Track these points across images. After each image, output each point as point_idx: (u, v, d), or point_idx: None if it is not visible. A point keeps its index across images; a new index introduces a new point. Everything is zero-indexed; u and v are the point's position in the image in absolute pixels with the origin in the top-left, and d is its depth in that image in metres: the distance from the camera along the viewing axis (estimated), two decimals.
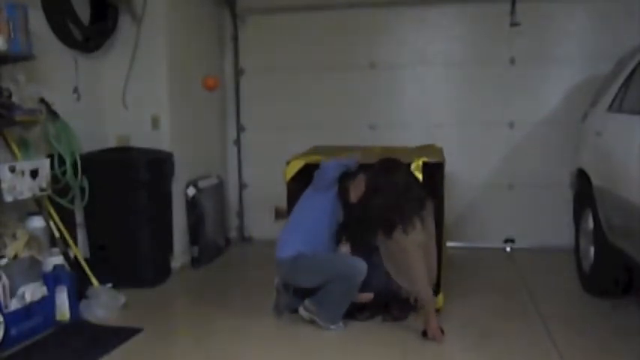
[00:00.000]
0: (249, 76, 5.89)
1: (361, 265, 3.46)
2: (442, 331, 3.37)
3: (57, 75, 4.18)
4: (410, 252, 3.43)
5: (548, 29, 5.30)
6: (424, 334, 3.37)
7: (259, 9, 5.74)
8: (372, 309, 3.67)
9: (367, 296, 3.60)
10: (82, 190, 4.17)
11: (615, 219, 3.60)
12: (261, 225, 5.84)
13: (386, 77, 5.57)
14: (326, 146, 4.46)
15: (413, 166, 3.69)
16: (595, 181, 3.92)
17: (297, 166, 3.84)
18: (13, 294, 3.36)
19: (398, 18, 5.52)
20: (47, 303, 3.56)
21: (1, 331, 3.19)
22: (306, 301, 3.60)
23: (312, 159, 3.85)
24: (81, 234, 4.39)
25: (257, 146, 5.83)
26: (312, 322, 3.57)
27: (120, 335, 3.46)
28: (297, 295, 3.65)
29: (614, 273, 3.83)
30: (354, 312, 3.63)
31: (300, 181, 3.83)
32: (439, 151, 4.27)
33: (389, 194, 3.50)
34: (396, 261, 3.48)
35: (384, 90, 5.58)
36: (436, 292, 3.63)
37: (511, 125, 5.44)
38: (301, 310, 3.62)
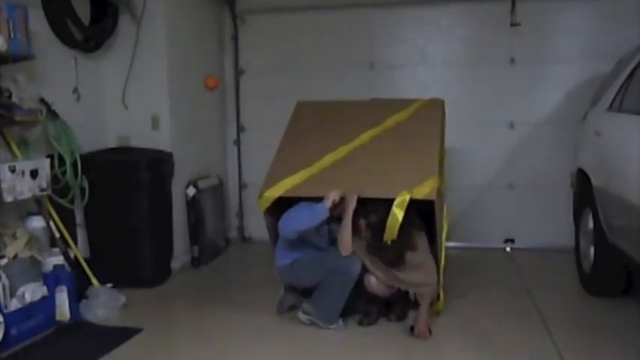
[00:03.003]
0: (249, 76, 5.89)
1: (354, 261, 3.46)
2: (430, 332, 3.38)
3: (57, 75, 4.18)
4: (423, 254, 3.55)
5: (549, 29, 5.30)
6: (412, 329, 3.40)
7: (259, 9, 5.74)
8: (377, 313, 3.66)
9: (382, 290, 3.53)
10: (82, 190, 4.18)
11: (615, 219, 3.60)
12: (261, 225, 5.79)
13: (385, 77, 5.57)
14: (311, 102, 4.23)
15: (397, 201, 3.27)
16: (595, 181, 3.92)
17: (269, 199, 3.55)
18: (13, 294, 3.36)
19: (397, 18, 5.53)
20: (47, 303, 3.56)
21: (1, 331, 3.19)
22: (304, 304, 3.62)
23: (287, 188, 3.52)
24: (81, 234, 4.39)
25: (257, 146, 5.83)
26: (311, 323, 3.58)
27: (120, 335, 3.46)
28: (305, 295, 3.66)
29: (614, 273, 3.83)
30: (360, 318, 3.63)
31: (277, 208, 3.59)
32: (435, 144, 3.70)
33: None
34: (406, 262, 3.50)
35: (384, 90, 5.56)
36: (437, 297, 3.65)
37: (511, 125, 5.44)
38: (300, 315, 3.63)
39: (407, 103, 4.08)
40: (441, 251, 3.67)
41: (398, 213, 3.25)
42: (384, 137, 3.81)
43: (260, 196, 3.58)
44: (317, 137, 3.88)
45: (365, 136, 3.81)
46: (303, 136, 3.94)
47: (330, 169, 3.62)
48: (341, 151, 3.73)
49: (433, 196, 3.32)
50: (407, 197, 3.27)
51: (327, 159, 3.68)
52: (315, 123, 4.05)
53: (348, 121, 3.98)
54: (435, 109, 4.00)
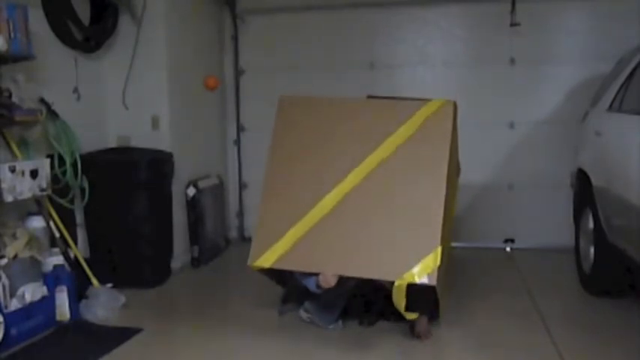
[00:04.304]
0: (249, 76, 5.89)
1: None
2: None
3: (57, 75, 4.18)
4: None
5: (548, 29, 5.30)
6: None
7: (259, 9, 5.74)
8: (377, 314, 3.64)
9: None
10: (82, 190, 4.18)
11: (615, 219, 3.60)
12: None
13: (385, 77, 5.57)
14: (296, 102, 3.73)
15: (396, 284, 3.04)
16: (595, 181, 3.92)
17: (258, 268, 3.36)
18: (13, 294, 3.36)
19: (398, 18, 5.53)
20: (47, 303, 3.56)
21: (1, 331, 3.19)
22: (306, 303, 3.62)
23: (277, 256, 3.25)
24: (81, 234, 4.39)
25: (257, 146, 5.82)
26: (311, 322, 3.58)
27: (120, 335, 3.46)
28: (308, 295, 3.65)
29: (614, 273, 3.83)
30: (360, 318, 3.62)
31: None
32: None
33: None
34: None
35: (384, 90, 5.55)
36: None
37: (511, 125, 5.44)
38: (301, 312, 3.65)
39: (410, 109, 3.35)
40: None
41: (400, 301, 3.12)
42: (380, 176, 3.25)
43: (250, 265, 3.35)
44: (305, 172, 3.39)
45: (359, 173, 3.28)
46: (290, 167, 3.45)
47: (320, 228, 3.24)
48: (332, 199, 3.27)
49: (433, 281, 3.01)
50: (404, 283, 3.03)
51: (317, 212, 3.26)
52: (302, 142, 3.49)
53: (339, 142, 3.39)
54: (444, 122, 3.31)
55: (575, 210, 4.55)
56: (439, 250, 3.04)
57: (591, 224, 4.04)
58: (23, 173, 3.52)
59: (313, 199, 3.29)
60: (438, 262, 3.02)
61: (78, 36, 4.36)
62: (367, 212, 3.21)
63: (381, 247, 3.13)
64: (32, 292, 3.44)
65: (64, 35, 4.21)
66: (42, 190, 3.67)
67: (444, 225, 3.13)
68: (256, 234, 3.39)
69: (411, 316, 3.31)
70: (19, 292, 3.39)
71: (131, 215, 4.35)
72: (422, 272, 3.01)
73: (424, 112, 3.33)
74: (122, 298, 3.93)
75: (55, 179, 3.89)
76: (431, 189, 3.16)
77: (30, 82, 3.78)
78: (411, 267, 3.02)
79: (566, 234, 4.83)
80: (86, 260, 4.11)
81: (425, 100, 3.38)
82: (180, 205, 4.93)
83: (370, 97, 3.74)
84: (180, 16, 4.99)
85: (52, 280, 3.61)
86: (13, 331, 3.28)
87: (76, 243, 4.13)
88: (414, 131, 3.29)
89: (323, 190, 3.29)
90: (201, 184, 5.13)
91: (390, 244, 3.11)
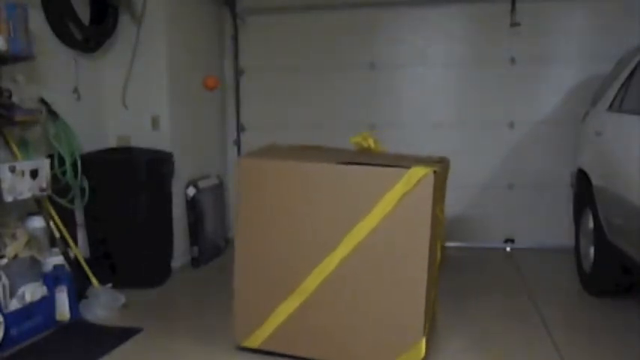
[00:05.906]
0: (249, 76, 5.89)
1: None
2: None
3: (57, 75, 4.18)
4: None
5: (548, 29, 5.30)
6: None
7: (259, 9, 5.75)
8: None
9: None
10: (82, 190, 4.18)
11: (615, 219, 3.60)
12: None
13: (386, 77, 5.58)
14: (257, 172, 3.25)
15: None
16: (595, 181, 3.92)
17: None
18: (13, 294, 3.36)
19: (398, 18, 5.53)
20: (47, 303, 3.57)
21: (1, 331, 3.19)
22: None
23: (263, 339, 3.20)
24: (81, 234, 4.39)
25: (257, 146, 5.80)
26: None
27: (120, 335, 3.47)
28: None
29: (614, 273, 3.83)
30: None
31: None
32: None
33: None
34: None
35: (384, 90, 5.58)
36: None
37: (511, 125, 5.44)
38: None
39: (386, 184, 2.92)
40: None
41: None
42: (357, 263, 3.00)
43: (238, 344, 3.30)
44: (279, 254, 3.18)
45: (334, 258, 3.03)
46: (262, 246, 3.21)
47: (301, 314, 3.14)
48: (310, 284, 3.10)
49: None
50: None
51: (296, 297, 3.13)
52: (270, 218, 3.19)
53: (311, 222, 3.10)
54: (423, 202, 2.87)
55: (575, 210, 4.55)
56: (422, 342, 2.93)
57: (591, 224, 4.05)
58: (23, 173, 3.52)
59: (291, 284, 3.14)
60: (422, 356, 2.93)
61: (78, 36, 4.36)
62: (347, 301, 3.05)
63: (362, 336, 3.02)
64: (32, 292, 3.44)
65: (64, 35, 4.21)
66: (42, 190, 3.67)
67: (427, 308, 2.98)
68: (237, 313, 3.27)
69: None
70: (19, 292, 3.39)
71: (131, 215, 4.35)
72: None
73: (401, 187, 2.90)
74: (122, 298, 3.93)
75: (55, 179, 3.89)
76: (411, 279, 2.91)
77: (30, 82, 3.78)
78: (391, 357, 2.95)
79: (566, 234, 4.83)
80: (86, 260, 4.11)
81: (403, 168, 2.90)
82: (180, 205, 4.93)
83: (342, 163, 3.10)
84: (180, 16, 4.99)
85: (52, 280, 3.61)
86: (13, 331, 3.28)
87: (76, 243, 4.13)
88: (390, 211, 2.93)
89: (300, 275, 3.12)
90: (201, 184, 5.13)
91: (371, 334, 3.01)
